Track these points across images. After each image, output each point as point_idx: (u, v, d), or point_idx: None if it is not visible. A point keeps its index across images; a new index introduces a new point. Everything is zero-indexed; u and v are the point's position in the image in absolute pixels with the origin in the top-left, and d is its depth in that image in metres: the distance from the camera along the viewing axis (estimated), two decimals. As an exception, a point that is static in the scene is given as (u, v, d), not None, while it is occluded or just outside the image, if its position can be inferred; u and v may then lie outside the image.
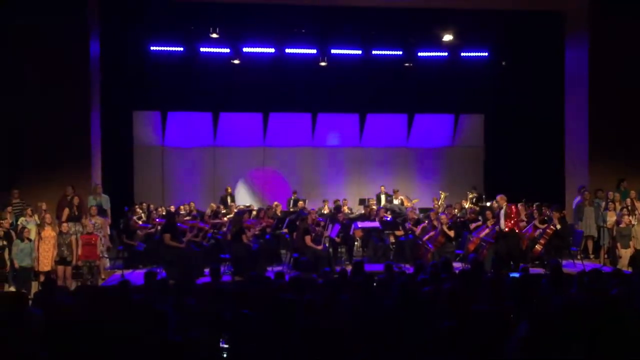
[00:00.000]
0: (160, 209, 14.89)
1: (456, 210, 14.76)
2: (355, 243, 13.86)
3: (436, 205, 15.25)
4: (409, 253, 12.81)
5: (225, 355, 4.12)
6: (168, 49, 16.66)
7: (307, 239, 11.89)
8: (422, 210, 15.32)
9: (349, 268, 9.18)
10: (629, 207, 12.69)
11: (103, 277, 11.83)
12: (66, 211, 12.07)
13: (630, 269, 11.47)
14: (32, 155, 12.93)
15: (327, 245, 12.46)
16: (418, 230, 13.04)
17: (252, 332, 4.59)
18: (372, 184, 17.98)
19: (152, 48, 16.55)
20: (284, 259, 13.03)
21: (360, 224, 13.41)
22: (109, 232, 12.77)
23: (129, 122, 17.41)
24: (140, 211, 14.36)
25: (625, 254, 12.07)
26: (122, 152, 16.73)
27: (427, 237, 12.57)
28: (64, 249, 10.95)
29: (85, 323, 4.72)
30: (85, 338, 4.45)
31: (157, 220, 13.57)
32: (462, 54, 17.58)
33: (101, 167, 14.17)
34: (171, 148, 18.19)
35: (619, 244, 12.15)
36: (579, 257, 12.64)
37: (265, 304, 5.76)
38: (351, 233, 13.22)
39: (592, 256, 13.30)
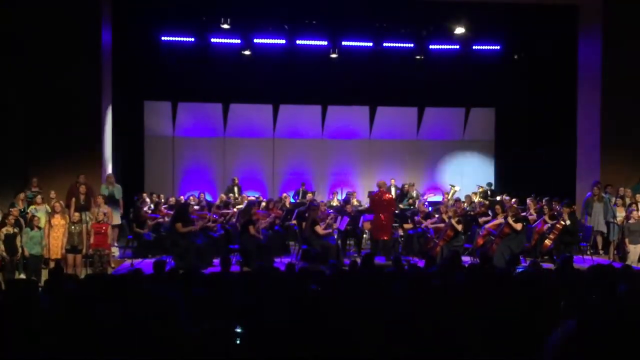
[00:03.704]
0: (171, 199, 14.96)
1: (465, 204, 14.72)
2: (364, 235, 13.85)
3: (446, 199, 15.22)
4: (418, 246, 12.80)
5: (238, 342, 4.12)
6: (179, 39, 16.68)
7: (318, 228, 11.90)
8: (431, 203, 15.30)
9: (358, 260, 9.18)
10: (638, 203, 12.61)
11: (113, 265, 11.90)
12: (74, 200, 12.15)
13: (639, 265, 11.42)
14: (44, 144, 13.01)
15: (335, 237, 12.48)
16: (427, 223, 13.02)
17: (265, 321, 4.60)
18: (382, 176, 17.93)
19: (163, 38, 16.57)
20: (293, 250, 13.06)
21: (368, 217, 13.40)
22: (120, 222, 12.85)
23: (139, 112, 17.46)
24: (149, 201, 14.42)
25: (635, 249, 12.00)
26: (132, 142, 16.79)
27: (434, 226, 12.54)
28: (75, 237, 11.01)
29: (95, 311, 4.74)
30: (94, 327, 4.47)
31: (165, 210, 13.65)
32: (474, 47, 17.46)
33: (112, 157, 14.23)
34: (181, 138, 18.22)
35: (627, 240, 12.09)
36: (588, 252, 12.59)
37: (274, 294, 5.78)
38: (360, 225, 13.21)
39: (601, 252, 13.24)
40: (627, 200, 12.87)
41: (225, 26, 15.47)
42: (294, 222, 13.16)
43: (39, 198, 11.82)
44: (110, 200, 12.47)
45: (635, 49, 14.04)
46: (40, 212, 11.50)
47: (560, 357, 1.66)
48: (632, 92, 14.06)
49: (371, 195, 13.41)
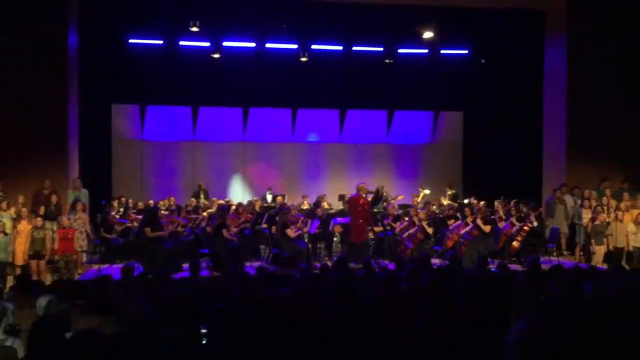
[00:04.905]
0: (140, 204, 14.80)
1: (435, 207, 14.84)
2: (334, 239, 13.87)
3: (415, 202, 15.31)
4: (388, 249, 12.86)
5: (204, 342, 4.10)
6: (147, 41, 16.50)
7: (289, 231, 11.88)
8: (401, 206, 15.37)
9: (329, 264, 9.19)
10: (604, 205, 12.87)
11: (80, 271, 11.72)
12: (42, 208, 11.94)
13: (604, 266, 11.64)
14: (9, 148, 12.74)
15: (306, 241, 12.47)
16: (397, 226, 13.09)
17: (231, 326, 4.58)
18: (352, 179, 18.00)
19: (130, 41, 16.38)
20: (263, 254, 13.02)
21: (339, 220, 13.42)
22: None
23: (107, 115, 17.23)
24: (118, 205, 14.24)
25: (600, 250, 12.25)
26: (100, 146, 16.54)
27: (406, 234, 12.62)
28: (38, 243, 10.82)
29: (63, 318, 4.66)
30: (62, 334, 4.39)
31: (134, 214, 13.51)
32: (442, 52, 17.65)
33: (79, 161, 14.02)
34: (150, 142, 18.04)
35: (593, 241, 12.33)
36: (554, 253, 12.81)
37: (244, 299, 5.76)
38: (330, 229, 13.23)
39: (566, 253, 13.48)
40: (593, 203, 13.12)
41: (195, 29, 15.33)
42: (264, 225, 13.12)
43: (4, 204, 11.58)
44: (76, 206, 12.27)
45: (599, 54, 14.32)
46: (5, 217, 11.27)
47: (515, 357, 1.70)
48: (597, 97, 14.34)
49: (349, 198, 13.36)
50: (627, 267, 10.67)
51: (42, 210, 11.86)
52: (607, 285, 5.05)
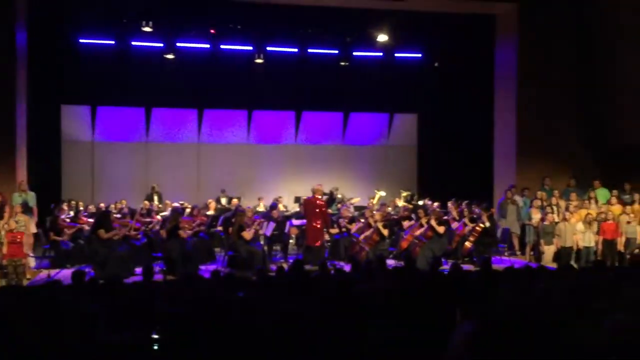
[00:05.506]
0: (90, 207, 14.50)
1: (390, 209, 14.96)
2: (290, 241, 13.85)
3: (371, 204, 15.42)
4: (344, 251, 12.90)
5: (156, 347, 4.04)
6: (98, 41, 16.16)
7: (245, 234, 11.79)
8: (356, 208, 15.46)
9: (285, 266, 9.18)
10: (553, 206, 13.21)
11: (28, 277, 11.40)
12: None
13: (554, 265, 11.94)
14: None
15: (262, 243, 12.42)
16: (352, 228, 13.15)
17: (185, 330, 4.53)
18: (308, 181, 18.00)
19: (81, 40, 16.01)
20: (219, 257, 12.90)
21: (295, 222, 13.41)
22: (35, 230, 12.33)
23: (57, 117, 16.80)
24: (67, 209, 13.91)
25: (549, 250, 12.55)
26: (49, 147, 16.12)
27: (362, 236, 12.66)
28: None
29: (10, 325, 4.53)
30: (10, 341, 4.27)
31: (85, 218, 13.23)
32: (397, 55, 17.84)
33: (27, 163, 13.65)
34: (101, 143, 17.67)
35: (542, 241, 12.63)
36: (506, 253, 13.07)
37: (198, 302, 5.70)
38: (286, 231, 13.20)
39: (518, 252, 13.77)
40: (544, 203, 13.43)
41: (147, 29, 15.06)
42: (219, 228, 13.01)
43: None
44: (24, 208, 11.93)
45: (548, 57, 14.71)
46: (-51, 222, 10.90)
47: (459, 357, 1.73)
48: (546, 99, 14.72)
49: (305, 200, 13.33)
50: (575, 266, 11.00)
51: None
52: (556, 284, 5.18)
